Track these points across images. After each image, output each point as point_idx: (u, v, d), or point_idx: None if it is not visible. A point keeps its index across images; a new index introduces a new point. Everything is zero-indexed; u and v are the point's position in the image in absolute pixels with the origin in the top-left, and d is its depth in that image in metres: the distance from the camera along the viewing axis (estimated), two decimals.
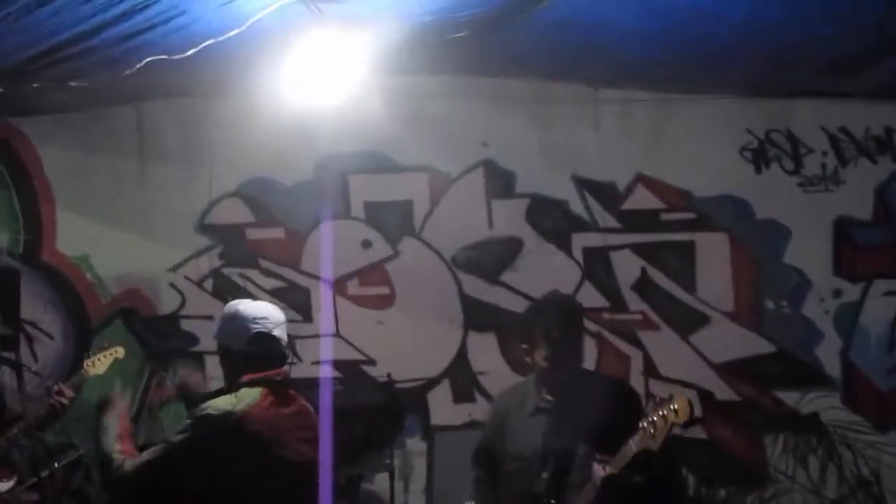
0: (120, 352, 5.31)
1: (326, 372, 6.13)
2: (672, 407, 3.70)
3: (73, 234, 6.47)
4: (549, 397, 4.20)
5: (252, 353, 3.64)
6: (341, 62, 4.44)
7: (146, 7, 3.75)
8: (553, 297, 4.72)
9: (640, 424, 3.79)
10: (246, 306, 3.78)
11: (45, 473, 5.29)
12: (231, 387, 3.64)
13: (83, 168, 6.47)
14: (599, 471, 3.89)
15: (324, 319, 6.35)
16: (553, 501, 4.10)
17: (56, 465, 5.41)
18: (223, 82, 5.64)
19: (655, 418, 3.72)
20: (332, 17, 3.95)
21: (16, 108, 6.26)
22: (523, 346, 4.30)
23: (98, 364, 5.32)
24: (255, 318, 3.68)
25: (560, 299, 4.80)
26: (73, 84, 4.93)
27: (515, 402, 4.35)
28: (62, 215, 6.47)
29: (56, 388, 5.13)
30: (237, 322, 3.69)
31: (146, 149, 6.47)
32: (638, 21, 4.65)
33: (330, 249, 6.32)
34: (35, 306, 6.40)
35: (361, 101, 5.74)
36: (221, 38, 4.07)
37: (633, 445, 3.79)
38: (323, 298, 6.39)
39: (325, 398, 4.88)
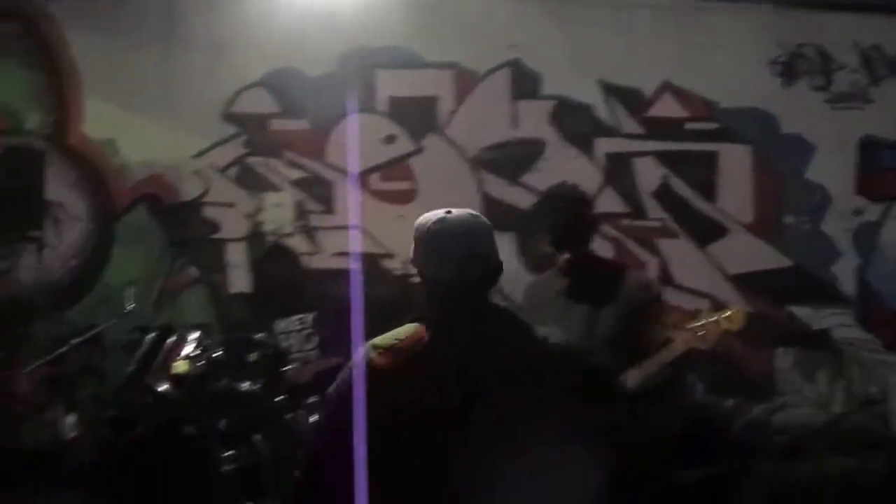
0: None
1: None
2: (727, 314, 3.86)
3: (100, 118, 6.44)
4: (564, 280, 4.27)
5: None
6: None
7: None
8: (559, 188, 4.77)
9: (688, 326, 3.90)
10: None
11: (64, 349, 5.45)
12: None
13: (109, 51, 6.42)
14: None
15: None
16: None
17: (72, 342, 5.51)
18: None
19: (707, 321, 3.85)
20: None
21: None
22: (536, 237, 4.34)
23: None
24: None
25: (565, 189, 4.88)
26: None
27: (542, 288, 4.42)
28: (89, 99, 6.45)
29: None
30: None
31: (172, 34, 6.42)
32: None
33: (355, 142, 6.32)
34: (61, 188, 6.45)
35: None
36: None
37: (680, 343, 3.88)
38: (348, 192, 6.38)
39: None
